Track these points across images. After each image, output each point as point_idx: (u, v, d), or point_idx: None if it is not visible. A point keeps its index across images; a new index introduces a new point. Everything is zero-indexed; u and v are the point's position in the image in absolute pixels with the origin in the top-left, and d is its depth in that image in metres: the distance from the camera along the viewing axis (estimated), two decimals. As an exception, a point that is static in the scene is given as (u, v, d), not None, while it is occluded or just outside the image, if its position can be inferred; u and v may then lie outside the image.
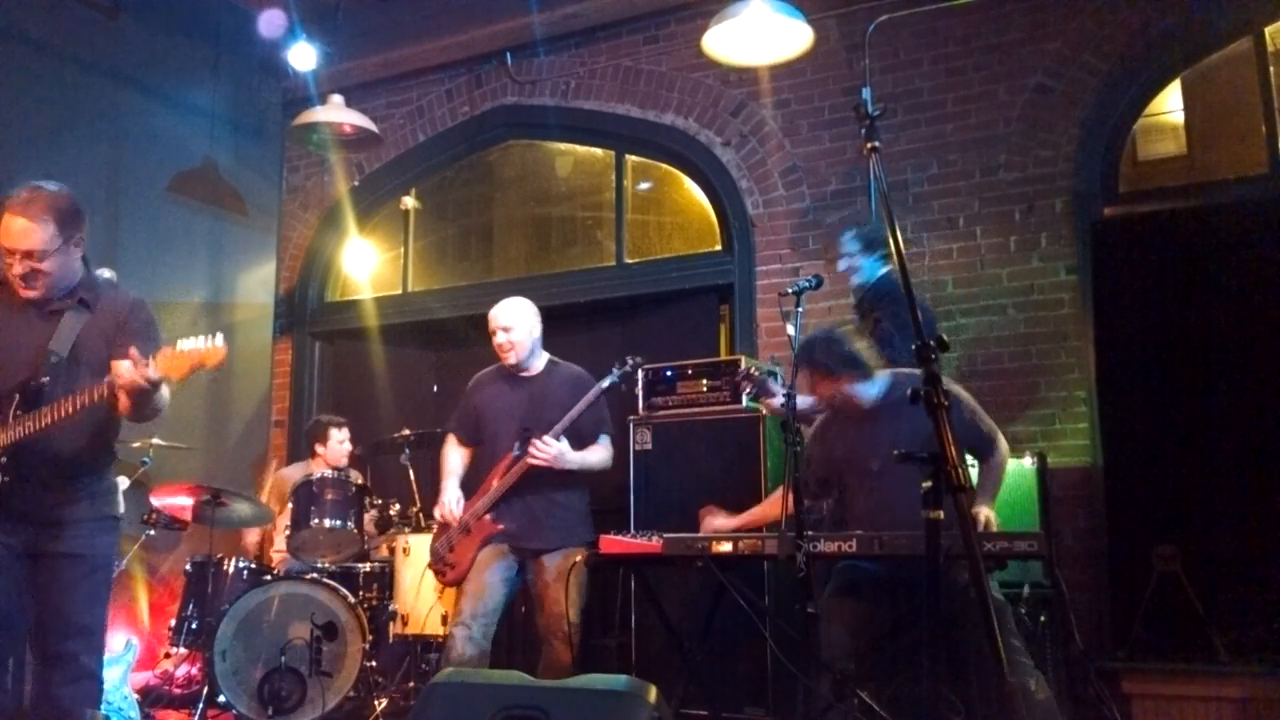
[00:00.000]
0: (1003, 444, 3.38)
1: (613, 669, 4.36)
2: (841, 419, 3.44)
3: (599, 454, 4.01)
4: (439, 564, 4.01)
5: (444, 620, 4.55)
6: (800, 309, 3.48)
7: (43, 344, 2.97)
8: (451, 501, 3.98)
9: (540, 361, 4.09)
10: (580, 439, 3.94)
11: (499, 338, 3.99)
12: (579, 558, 3.81)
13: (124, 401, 2.92)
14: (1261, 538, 4.07)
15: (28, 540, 2.92)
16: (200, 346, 2.99)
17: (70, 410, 2.87)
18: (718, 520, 3.55)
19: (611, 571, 4.32)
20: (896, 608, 3.16)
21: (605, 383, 3.91)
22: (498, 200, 6.48)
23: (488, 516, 3.89)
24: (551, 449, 3.77)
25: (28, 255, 2.92)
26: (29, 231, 2.91)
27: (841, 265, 4.04)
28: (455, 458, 4.16)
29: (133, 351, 2.82)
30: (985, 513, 3.16)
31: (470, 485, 4.11)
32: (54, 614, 2.93)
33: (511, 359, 4.00)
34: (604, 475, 4.15)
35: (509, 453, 3.92)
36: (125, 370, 2.82)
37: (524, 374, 4.06)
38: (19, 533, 2.91)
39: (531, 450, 3.77)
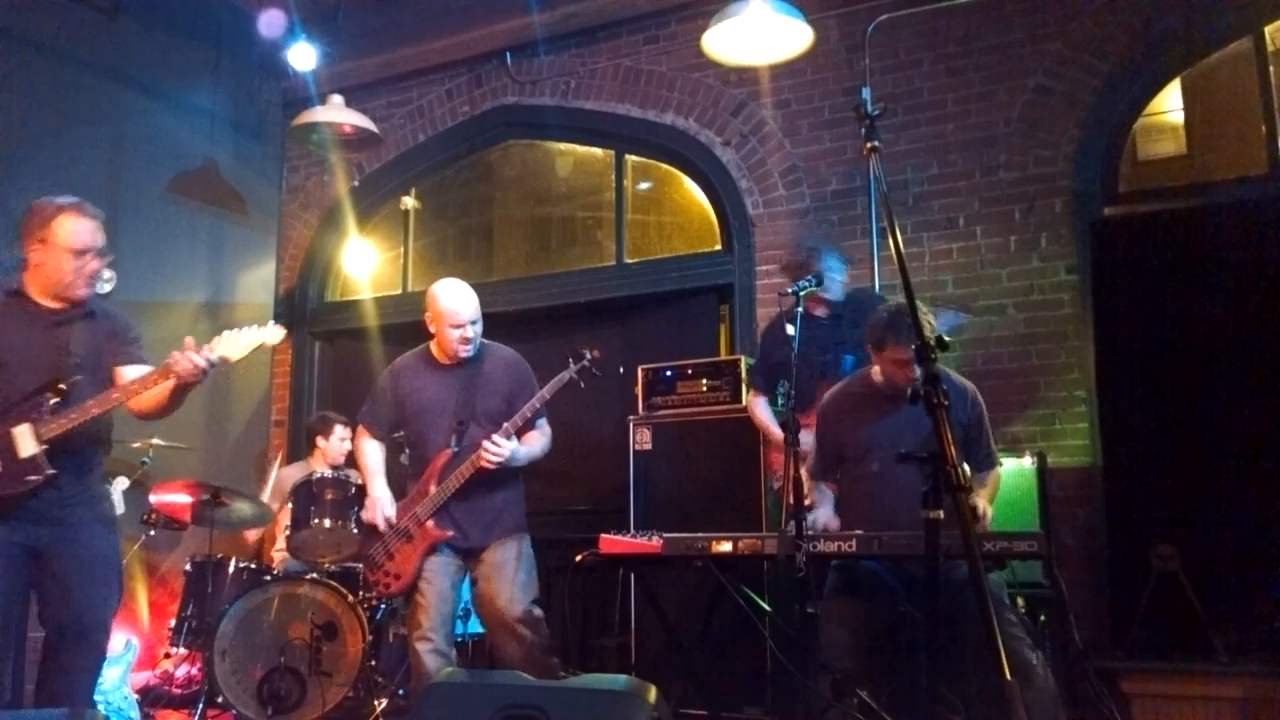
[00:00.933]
0: (1000, 471, 3.49)
1: (612, 669, 4.36)
2: (862, 404, 3.43)
3: (541, 441, 3.76)
4: (377, 573, 3.71)
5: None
6: (800, 309, 3.48)
7: (62, 346, 3.04)
8: (384, 502, 3.70)
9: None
10: (520, 432, 3.68)
11: (468, 331, 3.66)
12: (518, 543, 3.67)
13: (163, 395, 3.05)
14: (1261, 538, 4.07)
15: (38, 540, 2.95)
16: (255, 328, 3.20)
17: (121, 399, 2.99)
18: (822, 512, 3.40)
19: (611, 571, 4.32)
20: (896, 607, 3.17)
21: (563, 378, 3.62)
22: (498, 200, 6.48)
23: (430, 522, 3.61)
24: (505, 450, 3.52)
25: (101, 253, 3.06)
26: (99, 230, 3.08)
27: (829, 286, 3.94)
28: (375, 453, 3.84)
29: (188, 340, 3.00)
30: (982, 503, 3.17)
31: (396, 485, 3.87)
32: (74, 615, 2.98)
33: (469, 352, 3.70)
34: (603, 474, 4.14)
35: (445, 449, 3.64)
36: (184, 358, 2.96)
37: (448, 362, 3.75)
38: (31, 533, 2.95)
39: (485, 454, 3.50)
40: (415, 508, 3.65)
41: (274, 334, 3.24)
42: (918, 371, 3.19)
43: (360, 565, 4.81)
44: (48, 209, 3.04)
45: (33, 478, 2.92)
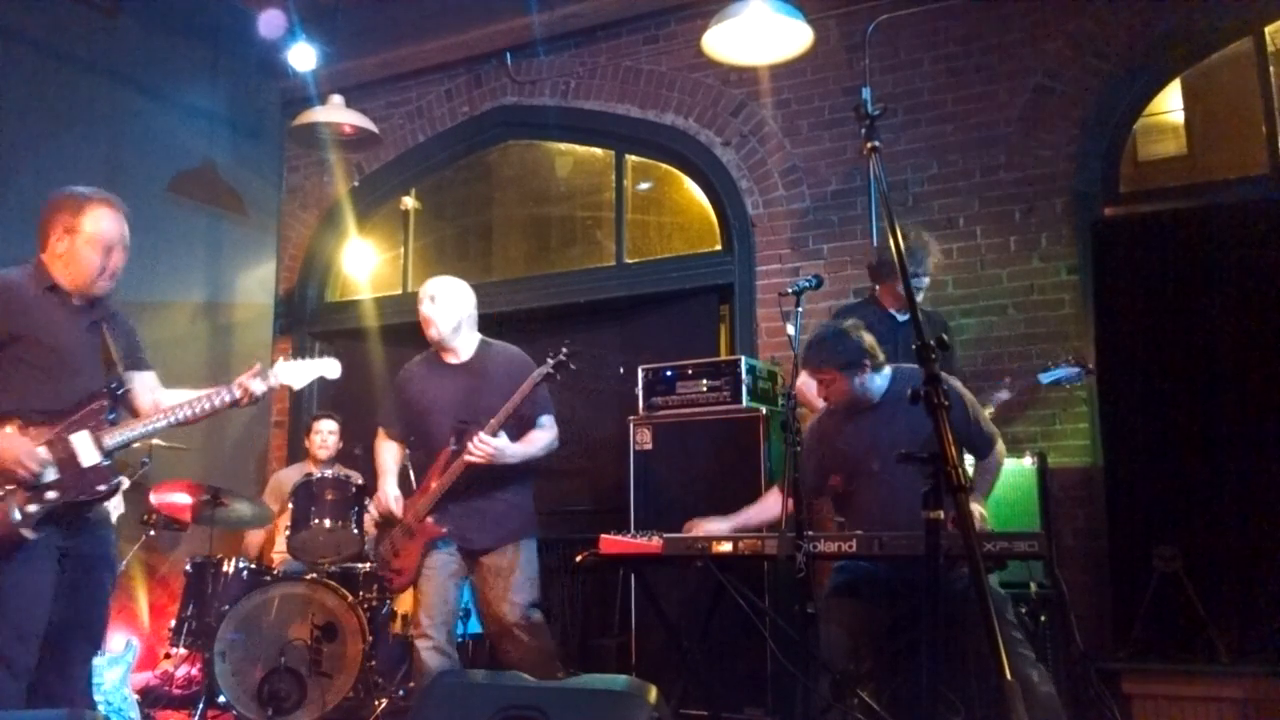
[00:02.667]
0: (1001, 446, 3.40)
1: (612, 669, 4.36)
2: (839, 417, 3.43)
3: (542, 439, 3.75)
4: (385, 570, 3.81)
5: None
6: (800, 309, 3.48)
7: (105, 348, 3.02)
8: (390, 499, 3.74)
9: (471, 345, 3.83)
10: (520, 424, 3.70)
11: (424, 306, 3.75)
12: (524, 552, 3.68)
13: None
14: (1262, 538, 4.06)
15: (61, 542, 2.93)
16: (317, 360, 3.33)
17: (190, 418, 3.03)
18: (709, 524, 3.42)
19: (611, 571, 4.31)
20: (896, 607, 3.16)
21: (539, 374, 3.60)
22: (497, 200, 6.48)
23: (429, 519, 3.66)
24: (489, 446, 3.52)
25: (126, 248, 3.03)
26: (125, 225, 3.04)
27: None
28: (388, 454, 3.90)
29: (258, 366, 3.12)
30: (977, 509, 3.16)
31: (406, 483, 3.98)
32: (85, 615, 2.98)
33: (432, 333, 3.75)
34: (603, 474, 4.14)
35: (446, 448, 3.67)
36: (254, 382, 3.08)
37: (454, 361, 3.80)
38: (61, 535, 2.92)
39: (469, 449, 3.53)
40: (417, 504, 3.70)
41: (333, 369, 3.36)
42: (861, 382, 3.26)
43: (360, 565, 4.84)
44: (77, 199, 2.97)
45: (102, 488, 2.92)
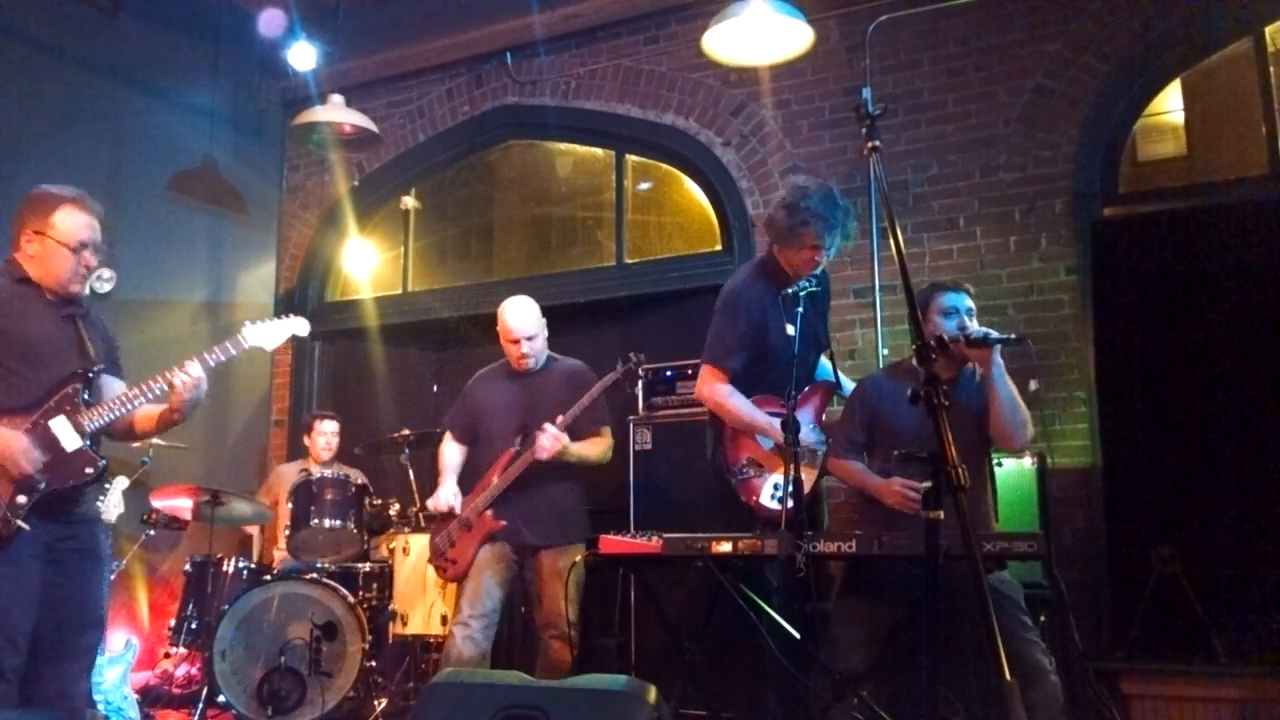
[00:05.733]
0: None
1: (612, 669, 4.36)
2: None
3: (599, 447, 4.01)
4: (440, 560, 4.01)
5: (444, 620, 4.55)
6: (800, 309, 3.47)
7: (81, 340, 3.00)
8: (449, 495, 3.98)
9: (542, 359, 4.09)
10: (577, 434, 3.93)
11: (522, 348, 3.97)
12: (578, 556, 3.82)
13: (154, 417, 3.08)
14: (1261, 538, 4.07)
15: (53, 536, 2.90)
16: (284, 319, 3.30)
17: (163, 386, 2.98)
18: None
19: (611, 571, 4.32)
20: (909, 604, 3.16)
21: (610, 378, 3.91)
22: (498, 200, 6.48)
23: (488, 513, 3.88)
24: (560, 440, 3.78)
25: (98, 249, 3.00)
26: (98, 225, 3.01)
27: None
28: (453, 454, 4.15)
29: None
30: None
31: (467, 483, 4.10)
32: (77, 609, 2.94)
33: (530, 364, 4.01)
34: (603, 474, 4.15)
35: (509, 450, 3.91)
36: (186, 371, 3.00)
37: (525, 371, 4.06)
38: (50, 530, 2.89)
39: (540, 440, 3.76)
40: (477, 499, 3.91)
41: (302, 326, 3.32)
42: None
43: (360, 565, 4.85)
44: (48, 200, 2.94)
45: (90, 471, 2.91)
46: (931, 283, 3.51)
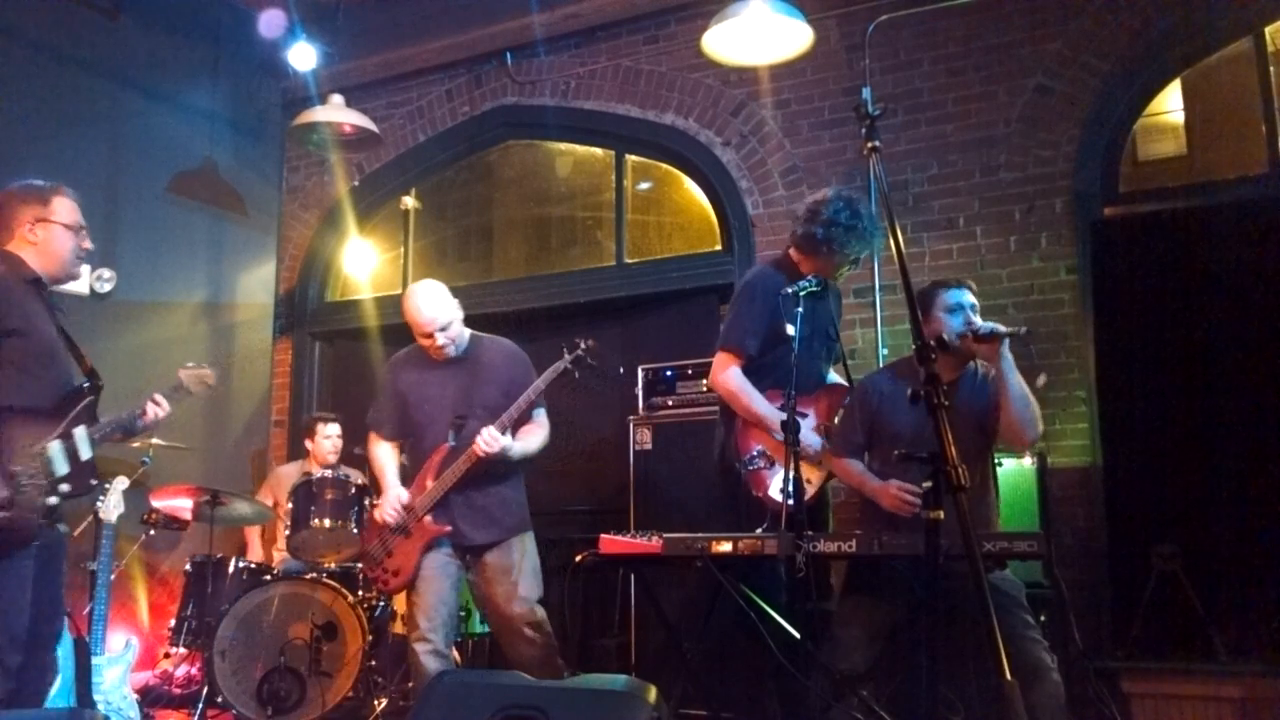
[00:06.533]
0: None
1: (612, 669, 4.36)
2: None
3: (539, 435, 3.75)
4: (376, 570, 3.73)
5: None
6: (800, 310, 3.47)
7: (75, 343, 3.14)
8: (398, 498, 3.66)
9: (463, 340, 3.76)
10: (516, 425, 3.66)
11: (438, 340, 3.64)
12: (527, 544, 3.69)
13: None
14: (1261, 536, 4.07)
15: (45, 538, 2.98)
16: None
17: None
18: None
19: (611, 571, 4.32)
20: (911, 606, 3.16)
21: (557, 367, 3.60)
22: (498, 200, 6.48)
23: (428, 518, 3.60)
24: (501, 442, 3.51)
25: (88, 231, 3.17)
26: None
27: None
28: (386, 455, 3.82)
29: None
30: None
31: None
32: (50, 601, 3.02)
33: (451, 352, 3.69)
34: (603, 474, 4.13)
35: (443, 444, 3.63)
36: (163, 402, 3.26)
37: (448, 354, 3.74)
38: (45, 534, 2.98)
39: (480, 444, 3.48)
40: (414, 503, 3.64)
41: (210, 376, 3.51)
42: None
43: (360, 565, 4.84)
44: (40, 190, 3.08)
45: (94, 482, 3.05)
46: (933, 281, 3.51)
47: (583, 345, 3.62)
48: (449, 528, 3.60)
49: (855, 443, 3.46)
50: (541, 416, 3.79)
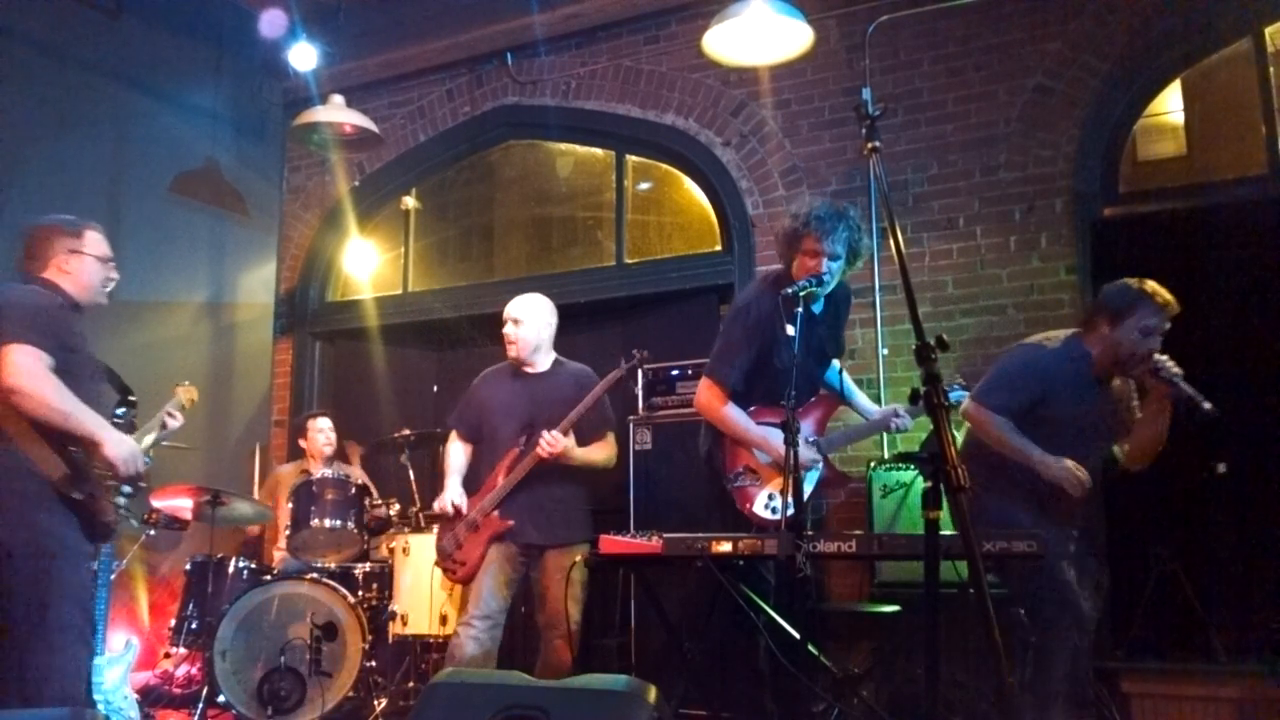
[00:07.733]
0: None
1: (613, 669, 4.36)
2: None
3: (603, 451, 4.03)
4: (447, 561, 4.01)
5: (444, 620, 4.56)
6: (800, 310, 3.47)
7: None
8: (453, 496, 3.99)
9: (547, 360, 4.11)
10: (582, 436, 3.95)
11: (507, 328, 4.03)
12: (579, 556, 3.83)
13: None
14: (1259, 537, 4.07)
15: None
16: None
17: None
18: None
19: (611, 571, 4.32)
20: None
21: (614, 375, 3.93)
22: (498, 200, 6.49)
23: (495, 513, 3.89)
24: (560, 443, 3.80)
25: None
26: None
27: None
28: (457, 454, 4.17)
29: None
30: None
31: (471, 483, 4.11)
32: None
33: (513, 352, 4.04)
34: (604, 474, 4.15)
35: (513, 449, 3.94)
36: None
37: (530, 371, 4.08)
38: None
39: (541, 443, 3.78)
40: (483, 500, 3.92)
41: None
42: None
43: (360, 565, 4.85)
44: (73, 224, 3.28)
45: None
46: (1141, 288, 3.41)
47: (637, 355, 3.97)
48: (512, 522, 3.86)
49: (1012, 410, 3.39)
50: (609, 437, 4.08)
